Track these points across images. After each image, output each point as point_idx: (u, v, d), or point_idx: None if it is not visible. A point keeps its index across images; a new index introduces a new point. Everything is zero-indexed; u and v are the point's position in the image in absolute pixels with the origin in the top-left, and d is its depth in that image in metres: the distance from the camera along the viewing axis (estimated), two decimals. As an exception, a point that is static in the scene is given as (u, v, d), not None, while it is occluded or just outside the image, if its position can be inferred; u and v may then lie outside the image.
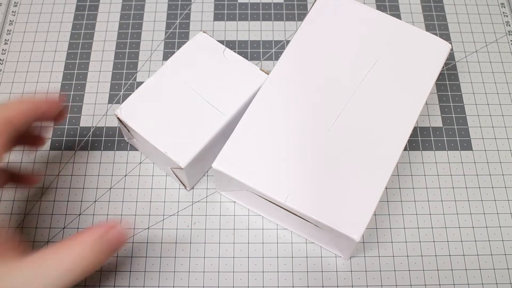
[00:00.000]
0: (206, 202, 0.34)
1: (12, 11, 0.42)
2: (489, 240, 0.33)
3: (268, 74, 0.32)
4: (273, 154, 0.29)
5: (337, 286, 0.31)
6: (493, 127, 0.37)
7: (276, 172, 0.29)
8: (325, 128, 0.30)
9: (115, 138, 0.36)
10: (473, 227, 0.33)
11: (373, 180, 0.29)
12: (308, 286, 0.31)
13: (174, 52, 0.39)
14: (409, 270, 0.32)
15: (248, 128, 0.30)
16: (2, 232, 0.24)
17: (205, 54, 0.34)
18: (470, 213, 0.34)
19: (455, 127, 0.37)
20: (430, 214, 0.34)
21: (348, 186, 0.28)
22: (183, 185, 0.34)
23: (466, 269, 0.32)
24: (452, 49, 0.40)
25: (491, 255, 0.32)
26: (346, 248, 0.29)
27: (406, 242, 0.33)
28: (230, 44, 0.40)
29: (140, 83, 0.36)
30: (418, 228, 0.33)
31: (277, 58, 0.32)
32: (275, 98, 0.31)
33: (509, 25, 0.41)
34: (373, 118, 0.30)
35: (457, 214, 0.34)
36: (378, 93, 0.31)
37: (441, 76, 0.39)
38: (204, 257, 0.32)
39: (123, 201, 0.34)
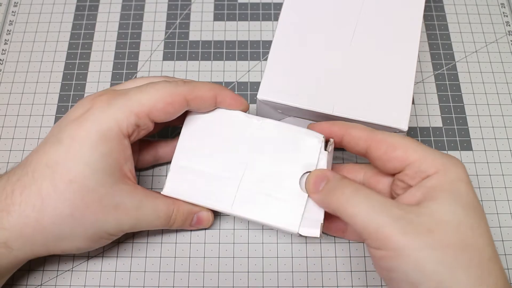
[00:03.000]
0: (206, 202, 0.34)
1: (12, 11, 0.42)
2: (489, 240, 0.33)
3: None
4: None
5: (337, 286, 0.31)
6: (493, 127, 0.37)
7: None
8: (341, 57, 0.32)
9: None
10: (473, 227, 0.33)
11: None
12: (308, 286, 0.31)
13: (174, 52, 0.40)
14: (409, 270, 0.32)
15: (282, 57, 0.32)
16: (130, 162, 0.28)
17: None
18: (470, 213, 0.34)
19: (455, 127, 0.37)
20: (430, 214, 0.34)
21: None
22: None
23: (466, 269, 0.32)
24: (452, 49, 0.40)
25: (491, 255, 0.32)
26: None
27: (406, 242, 0.33)
28: (230, 44, 0.40)
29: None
30: (418, 228, 0.33)
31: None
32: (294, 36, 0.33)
33: (509, 25, 0.41)
34: (379, 47, 0.33)
35: (457, 214, 0.34)
36: (377, 22, 0.33)
37: (441, 76, 0.39)
38: (204, 257, 0.32)
39: (123, 201, 0.34)
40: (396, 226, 0.23)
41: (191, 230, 0.33)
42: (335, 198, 0.26)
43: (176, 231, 0.33)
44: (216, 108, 0.30)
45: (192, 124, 0.30)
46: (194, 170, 0.29)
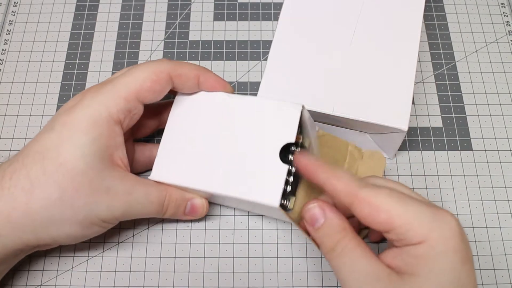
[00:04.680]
0: (206, 202, 0.34)
1: (12, 11, 0.42)
2: (489, 240, 0.33)
3: None
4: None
5: (337, 286, 0.31)
6: (493, 127, 0.37)
7: None
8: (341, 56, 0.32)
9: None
10: (473, 227, 0.33)
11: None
12: (308, 286, 0.31)
13: (174, 52, 0.40)
14: (409, 270, 0.32)
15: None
16: (121, 150, 0.28)
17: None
18: (470, 213, 0.34)
19: (455, 127, 0.37)
20: (430, 214, 0.34)
21: None
22: None
23: (466, 269, 0.32)
24: (452, 49, 0.40)
25: (491, 255, 0.32)
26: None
27: (406, 242, 0.33)
28: (230, 44, 0.40)
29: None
30: (418, 228, 0.33)
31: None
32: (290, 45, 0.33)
33: (509, 25, 0.41)
34: (379, 45, 0.33)
35: (457, 214, 0.34)
36: (377, 22, 0.33)
37: (441, 76, 0.39)
38: (204, 257, 0.32)
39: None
40: None
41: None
42: (324, 247, 0.26)
43: (176, 229, 0.33)
44: (200, 91, 0.31)
45: (178, 109, 0.31)
46: (180, 153, 0.30)
